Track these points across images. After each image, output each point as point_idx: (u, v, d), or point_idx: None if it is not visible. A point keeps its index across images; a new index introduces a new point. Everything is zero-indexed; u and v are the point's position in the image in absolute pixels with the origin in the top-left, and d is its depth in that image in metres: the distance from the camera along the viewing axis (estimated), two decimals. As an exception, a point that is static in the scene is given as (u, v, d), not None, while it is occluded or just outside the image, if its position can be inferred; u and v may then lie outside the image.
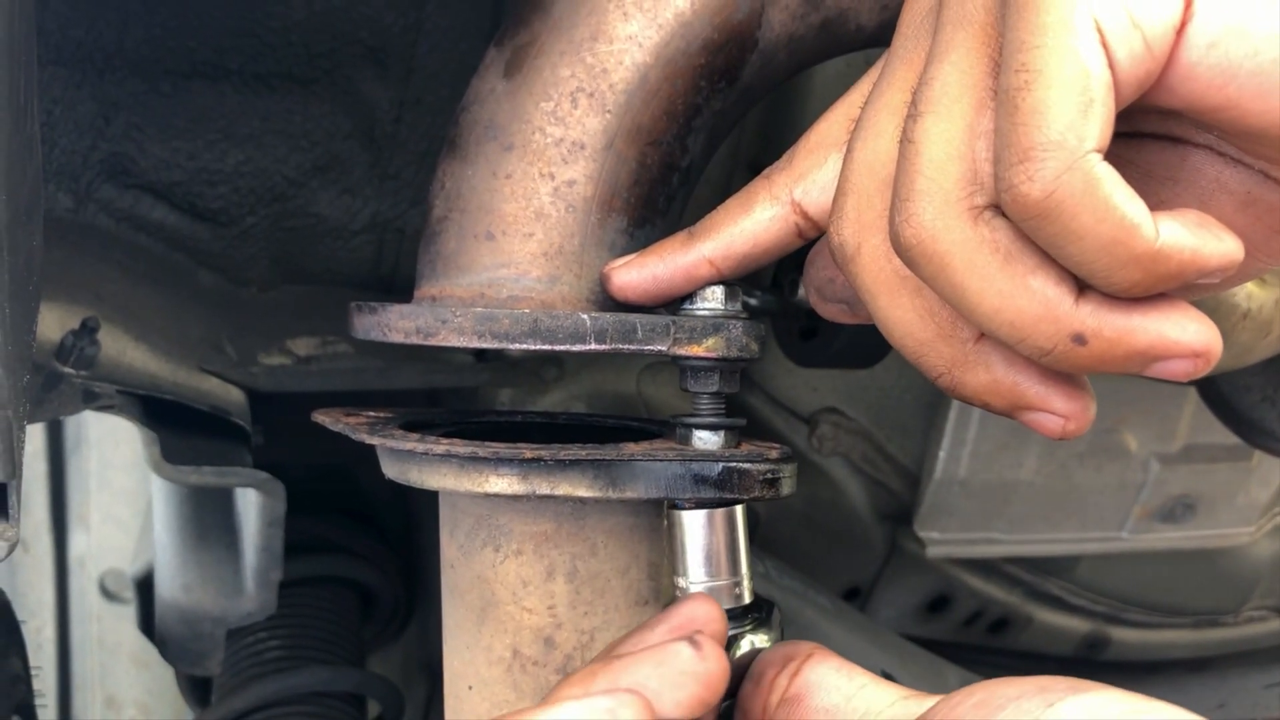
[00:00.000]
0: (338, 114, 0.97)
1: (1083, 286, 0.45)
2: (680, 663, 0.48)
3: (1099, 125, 0.41)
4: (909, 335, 0.50)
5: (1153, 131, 0.49)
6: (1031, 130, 0.41)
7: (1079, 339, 0.45)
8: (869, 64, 0.97)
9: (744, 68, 0.64)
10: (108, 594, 1.44)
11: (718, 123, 0.65)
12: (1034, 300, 0.45)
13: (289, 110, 0.95)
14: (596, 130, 0.61)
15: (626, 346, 0.58)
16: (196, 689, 1.24)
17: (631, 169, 0.62)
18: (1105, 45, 0.41)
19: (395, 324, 0.60)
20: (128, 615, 1.41)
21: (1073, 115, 0.41)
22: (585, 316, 0.58)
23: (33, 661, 0.99)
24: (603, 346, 0.58)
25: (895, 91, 0.51)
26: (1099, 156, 0.41)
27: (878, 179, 0.50)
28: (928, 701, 0.51)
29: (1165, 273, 0.43)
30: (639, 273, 0.60)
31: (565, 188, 0.61)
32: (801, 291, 0.64)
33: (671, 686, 0.47)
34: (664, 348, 0.58)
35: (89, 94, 0.91)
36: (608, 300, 0.62)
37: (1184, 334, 0.45)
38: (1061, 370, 0.48)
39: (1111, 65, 0.41)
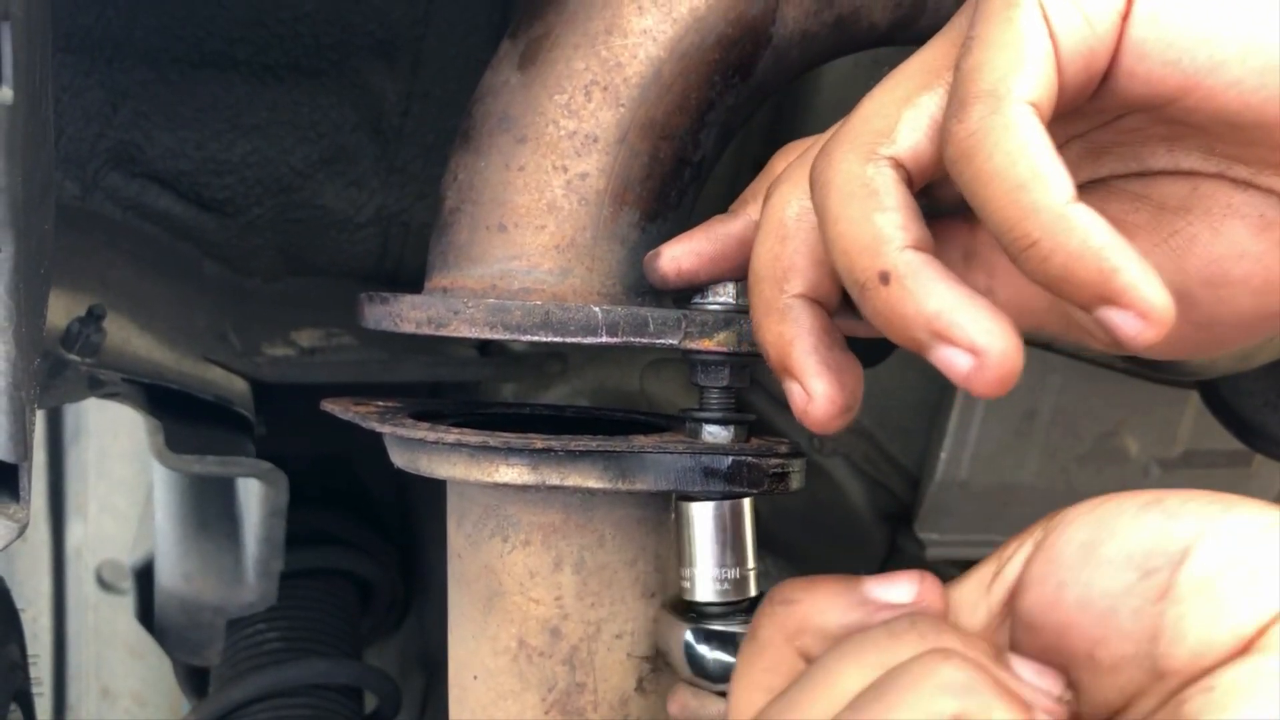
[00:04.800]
0: (345, 106, 0.97)
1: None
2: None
3: (1033, 82, 0.44)
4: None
5: (1161, 168, 0.51)
6: (968, 84, 0.45)
7: (884, 277, 0.45)
8: (877, 64, 0.98)
9: (757, 63, 0.64)
10: (105, 585, 1.43)
11: (730, 118, 0.65)
12: (868, 232, 0.46)
13: (297, 101, 0.95)
14: (610, 124, 0.61)
15: (638, 340, 0.58)
16: (194, 679, 1.24)
17: (644, 163, 0.62)
18: (1046, 19, 0.44)
19: (407, 314, 0.60)
20: (124, 606, 1.40)
21: (1005, 70, 0.44)
22: (597, 309, 0.58)
23: (29, 651, 0.99)
24: (614, 339, 0.58)
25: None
26: (1029, 109, 0.43)
27: None
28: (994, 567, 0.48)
29: (1066, 247, 0.42)
30: (685, 248, 0.59)
31: (578, 180, 0.61)
32: None
33: None
34: (675, 341, 0.58)
35: (97, 82, 0.91)
36: (619, 293, 0.62)
37: (974, 327, 0.43)
38: (867, 316, 0.47)
39: (1053, 37, 0.44)
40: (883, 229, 0.46)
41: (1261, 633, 0.39)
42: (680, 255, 0.59)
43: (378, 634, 1.43)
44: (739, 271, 0.59)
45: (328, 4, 0.90)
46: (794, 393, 0.52)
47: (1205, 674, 0.39)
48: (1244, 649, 0.39)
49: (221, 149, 0.96)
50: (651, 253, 0.60)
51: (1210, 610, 0.40)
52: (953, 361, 0.44)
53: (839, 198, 0.47)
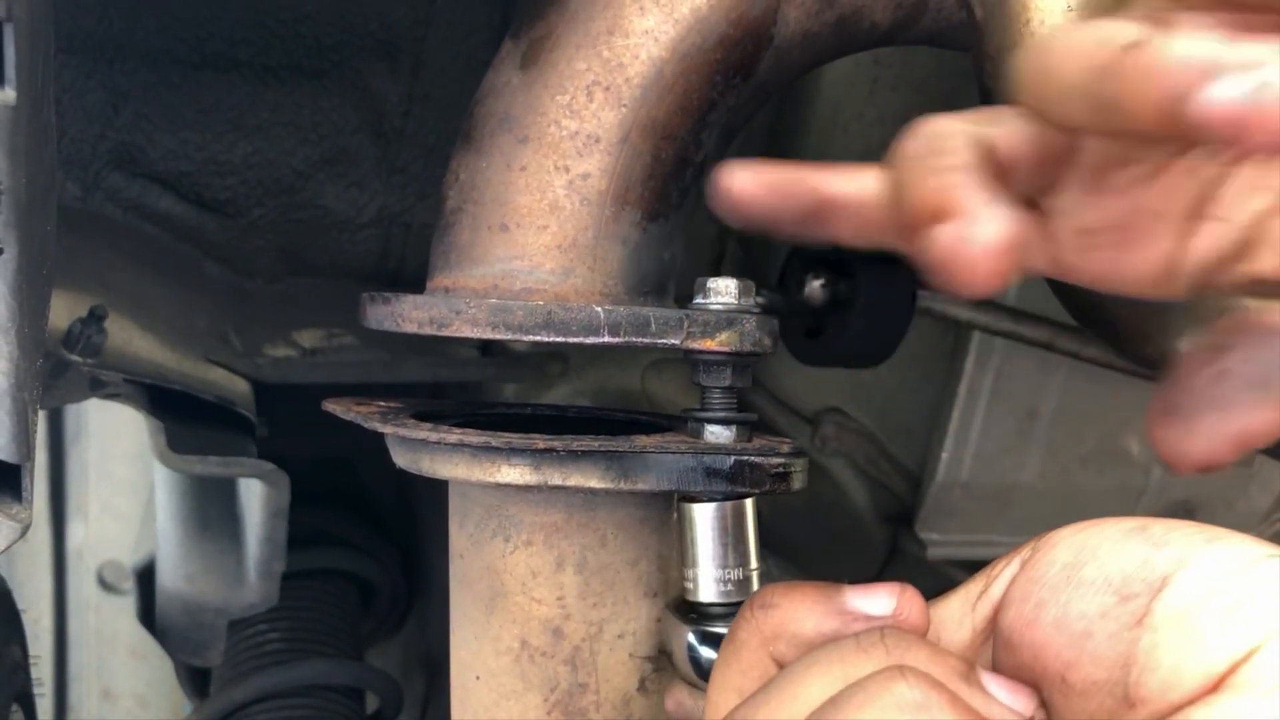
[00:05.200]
0: (346, 107, 0.97)
1: None
2: None
3: None
4: None
5: None
6: None
7: (1131, 45, 0.41)
8: (878, 64, 0.98)
9: (759, 64, 0.64)
10: (105, 585, 1.44)
11: (732, 118, 0.65)
12: (1092, 44, 0.43)
13: (298, 103, 0.95)
14: (611, 124, 0.61)
15: (640, 339, 0.58)
16: (195, 680, 1.24)
17: (646, 163, 0.62)
18: None
19: (409, 314, 0.60)
20: (125, 607, 1.40)
21: None
22: (599, 309, 0.58)
23: (30, 651, 0.99)
24: (616, 339, 0.58)
25: None
26: None
27: None
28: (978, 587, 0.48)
29: None
30: (752, 175, 0.52)
31: (580, 181, 0.61)
32: (807, 290, 0.64)
33: None
34: (677, 341, 0.58)
35: (99, 83, 0.91)
36: (621, 293, 0.62)
37: (1258, 50, 0.38)
38: (1110, 96, 0.42)
39: None
40: (1114, 36, 0.42)
41: (1233, 670, 0.38)
42: (746, 178, 0.52)
43: (379, 634, 1.43)
44: (800, 217, 0.52)
45: (329, 5, 0.90)
46: (943, 237, 0.43)
47: (1174, 709, 0.39)
48: (1214, 686, 0.38)
49: (223, 150, 0.96)
50: (724, 170, 0.53)
51: (1184, 642, 0.39)
52: (1227, 94, 0.38)
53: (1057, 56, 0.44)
